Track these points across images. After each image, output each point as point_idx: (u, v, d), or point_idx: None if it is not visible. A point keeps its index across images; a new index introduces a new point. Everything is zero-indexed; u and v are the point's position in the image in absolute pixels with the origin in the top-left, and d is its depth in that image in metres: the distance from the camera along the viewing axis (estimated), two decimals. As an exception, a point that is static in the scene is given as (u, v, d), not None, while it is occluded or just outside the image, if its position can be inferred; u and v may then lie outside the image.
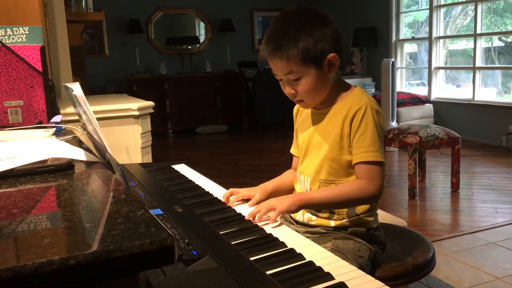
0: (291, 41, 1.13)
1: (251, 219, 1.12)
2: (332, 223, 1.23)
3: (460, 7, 5.96)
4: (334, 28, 1.18)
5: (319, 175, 1.25)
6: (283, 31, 1.16)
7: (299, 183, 1.33)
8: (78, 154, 1.05)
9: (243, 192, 1.29)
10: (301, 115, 1.35)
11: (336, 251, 1.15)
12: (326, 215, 1.24)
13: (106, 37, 6.93)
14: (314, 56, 1.14)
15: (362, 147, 1.16)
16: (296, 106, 1.38)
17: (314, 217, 1.25)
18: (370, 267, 1.22)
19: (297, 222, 1.29)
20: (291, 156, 1.44)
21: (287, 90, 1.21)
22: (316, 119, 1.27)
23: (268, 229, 1.06)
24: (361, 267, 1.13)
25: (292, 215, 1.30)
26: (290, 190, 1.39)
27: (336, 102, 1.24)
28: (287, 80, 1.20)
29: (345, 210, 1.23)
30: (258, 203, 1.26)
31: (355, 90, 1.24)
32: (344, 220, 1.23)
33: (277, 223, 1.11)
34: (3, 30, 1.73)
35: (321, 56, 1.15)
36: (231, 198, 1.27)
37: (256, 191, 1.30)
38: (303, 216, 1.27)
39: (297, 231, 1.22)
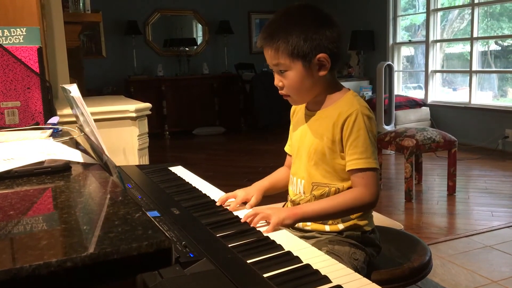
0: (283, 33, 1.15)
1: (247, 221, 1.11)
2: (327, 228, 1.23)
3: (457, 11, 5.98)
4: (334, 31, 1.17)
5: (312, 178, 1.24)
6: (278, 22, 1.18)
7: (291, 185, 1.32)
8: (75, 155, 1.05)
9: (240, 196, 1.29)
10: (297, 115, 1.35)
11: (331, 254, 1.15)
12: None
13: (103, 38, 6.92)
14: (302, 52, 1.15)
15: (354, 154, 1.16)
16: (294, 106, 1.38)
17: (308, 222, 1.25)
18: (366, 270, 1.22)
19: (292, 227, 1.28)
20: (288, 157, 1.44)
21: (275, 81, 1.23)
22: (309, 121, 1.27)
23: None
24: (356, 270, 1.13)
25: None
26: (284, 187, 1.40)
27: (328, 105, 1.23)
28: (276, 71, 1.21)
29: None
30: (255, 205, 1.26)
31: (347, 94, 1.23)
32: (338, 225, 1.23)
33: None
34: (0, 31, 1.73)
35: (310, 54, 1.15)
36: (231, 204, 1.27)
37: (252, 192, 1.31)
38: None
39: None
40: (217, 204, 1.26)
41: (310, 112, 1.27)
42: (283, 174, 1.41)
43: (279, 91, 1.23)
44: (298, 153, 1.29)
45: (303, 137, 1.27)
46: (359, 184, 1.16)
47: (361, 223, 1.24)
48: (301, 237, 1.23)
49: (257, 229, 1.08)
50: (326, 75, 1.19)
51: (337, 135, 1.18)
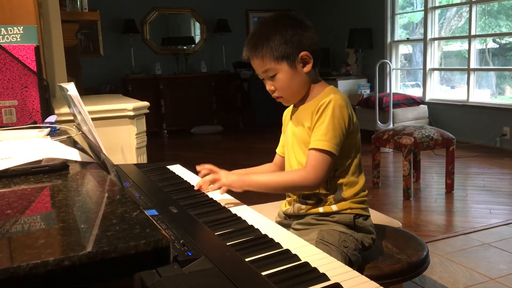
0: (264, 41, 1.25)
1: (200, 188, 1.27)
2: (321, 209, 1.29)
3: (454, 9, 5.98)
4: (310, 31, 1.28)
5: (303, 164, 1.30)
6: (259, 33, 1.28)
7: None
8: (73, 154, 1.05)
9: (210, 166, 1.35)
10: (287, 116, 1.44)
11: (320, 243, 1.20)
12: (313, 201, 1.29)
13: (101, 37, 6.91)
14: (285, 53, 1.24)
15: (315, 136, 1.24)
16: (286, 110, 1.45)
17: (303, 206, 1.31)
18: (361, 258, 1.24)
19: (289, 216, 1.36)
20: None
21: (267, 87, 1.32)
22: (294, 116, 1.36)
23: (264, 229, 1.07)
24: (347, 258, 1.16)
25: (283, 208, 1.39)
26: None
27: (310, 99, 1.32)
28: (266, 78, 1.30)
29: (332, 195, 1.28)
30: (208, 172, 1.33)
31: (327, 88, 1.32)
32: (332, 206, 1.28)
33: (218, 192, 1.28)
34: (-3, 29, 1.72)
35: (293, 53, 1.24)
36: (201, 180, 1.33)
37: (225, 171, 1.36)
38: (293, 207, 1.34)
39: (289, 225, 1.32)
40: (195, 187, 1.33)
41: (295, 108, 1.37)
42: (265, 168, 1.50)
43: (272, 95, 1.33)
44: (289, 148, 1.37)
45: (292, 131, 1.36)
46: (309, 164, 1.23)
47: (354, 205, 1.29)
48: (296, 223, 1.32)
49: (206, 193, 1.24)
50: (310, 71, 1.28)
51: (313, 122, 1.26)
